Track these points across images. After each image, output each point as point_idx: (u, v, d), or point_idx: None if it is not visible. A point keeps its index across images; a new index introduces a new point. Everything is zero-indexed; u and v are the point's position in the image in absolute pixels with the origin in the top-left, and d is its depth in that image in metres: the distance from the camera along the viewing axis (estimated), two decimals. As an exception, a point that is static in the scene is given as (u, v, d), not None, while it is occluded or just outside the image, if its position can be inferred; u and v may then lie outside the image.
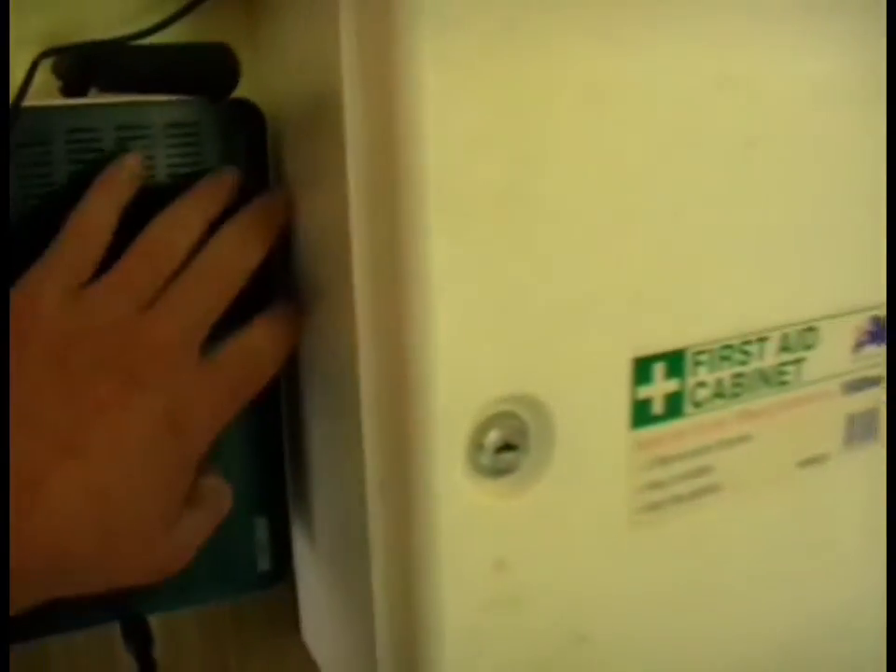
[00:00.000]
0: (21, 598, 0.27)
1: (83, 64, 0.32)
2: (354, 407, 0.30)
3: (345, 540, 0.34)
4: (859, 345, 0.36)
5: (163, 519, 0.30)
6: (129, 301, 0.29)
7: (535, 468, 0.30)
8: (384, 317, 0.28)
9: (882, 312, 0.36)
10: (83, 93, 0.32)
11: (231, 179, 0.32)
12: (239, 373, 0.31)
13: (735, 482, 0.34)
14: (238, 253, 0.31)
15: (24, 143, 0.30)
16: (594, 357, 0.30)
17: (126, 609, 0.34)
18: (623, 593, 0.33)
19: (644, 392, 0.31)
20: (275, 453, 0.36)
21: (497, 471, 0.30)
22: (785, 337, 0.34)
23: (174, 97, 0.32)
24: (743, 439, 0.34)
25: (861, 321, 0.35)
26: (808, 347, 0.34)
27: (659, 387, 0.32)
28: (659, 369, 0.31)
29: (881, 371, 0.37)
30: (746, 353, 0.33)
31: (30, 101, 0.32)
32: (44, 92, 0.33)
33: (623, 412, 0.31)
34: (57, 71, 0.33)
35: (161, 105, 0.32)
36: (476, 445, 0.29)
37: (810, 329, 0.34)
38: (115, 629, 0.34)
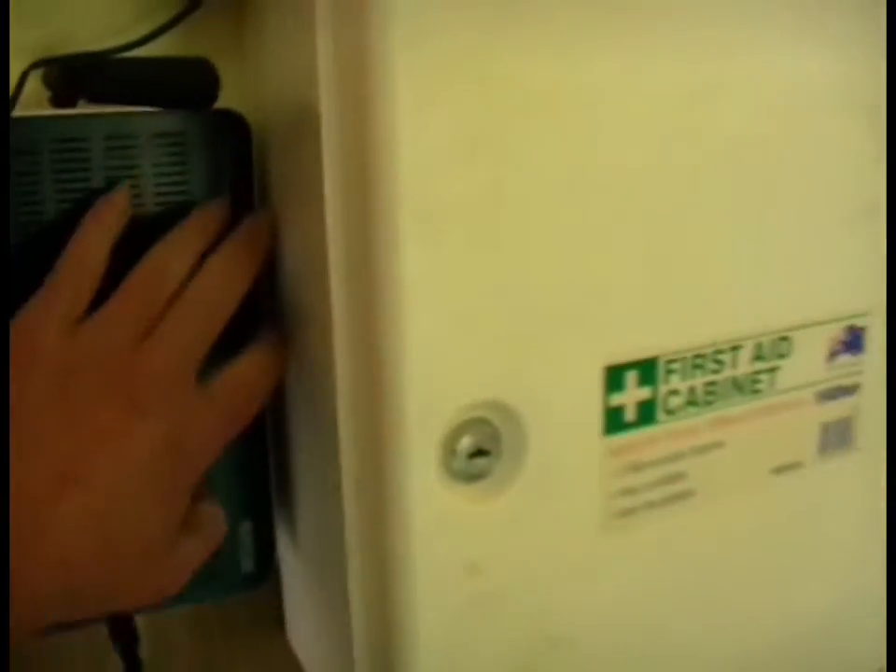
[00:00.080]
0: (36, 621, 0.28)
1: (71, 76, 0.32)
2: (331, 412, 0.30)
3: (325, 543, 0.34)
4: (833, 355, 0.36)
5: (161, 543, 0.31)
6: (126, 333, 0.30)
7: (507, 473, 0.31)
8: (359, 324, 0.29)
9: (857, 321, 0.36)
10: (72, 104, 0.33)
11: (221, 211, 0.33)
12: (233, 403, 0.32)
13: (708, 488, 0.35)
14: (228, 280, 0.32)
15: (13, 152, 0.31)
16: (565, 365, 0.31)
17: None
18: (597, 597, 0.34)
19: (616, 399, 0.32)
20: (259, 457, 0.37)
21: (470, 476, 0.30)
22: (758, 346, 0.34)
23: (158, 109, 0.32)
24: (716, 445, 0.34)
25: (835, 331, 0.36)
26: (782, 356, 0.35)
27: (631, 395, 0.32)
28: (631, 377, 0.32)
29: (855, 379, 0.37)
30: (719, 361, 0.33)
31: (20, 111, 0.33)
32: (34, 102, 0.34)
33: (595, 419, 0.32)
34: (47, 81, 0.34)
35: (148, 116, 0.32)
36: (449, 450, 0.30)
37: (784, 339, 0.35)
38: (101, 628, 0.35)
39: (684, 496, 0.34)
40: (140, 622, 0.35)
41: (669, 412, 0.33)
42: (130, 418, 0.29)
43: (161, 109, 0.32)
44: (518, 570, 0.32)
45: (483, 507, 0.31)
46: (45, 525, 0.28)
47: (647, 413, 0.33)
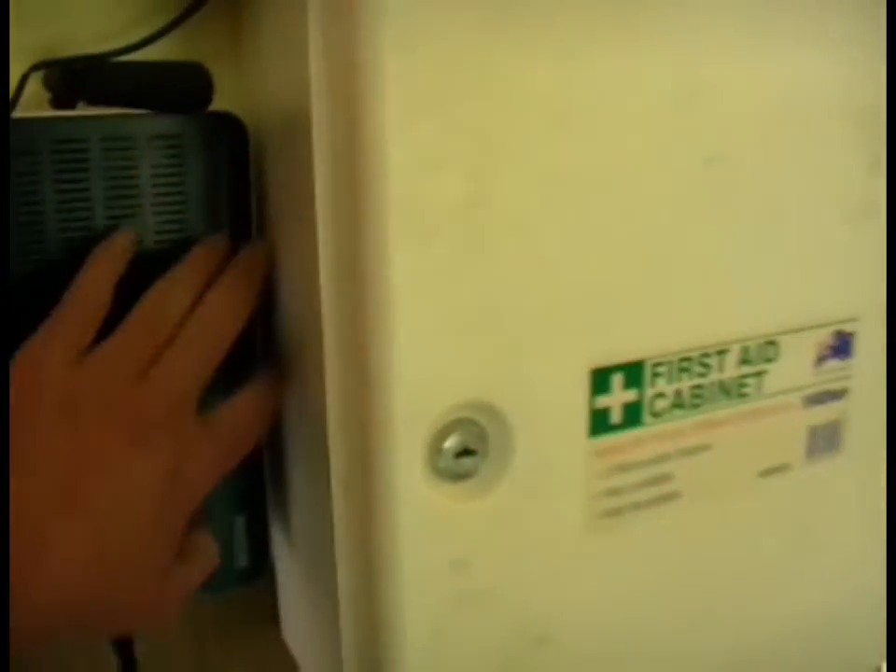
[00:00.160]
0: (37, 631, 0.29)
1: (71, 79, 0.33)
2: (320, 410, 0.31)
3: (315, 541, 0.35)
4: (821, 359, 0.36)
5: (157, 569, 0.31)
6: (129, 365, 0.31)
7: (494, 473, 0.31)
8: (348, 324, 0.29)
9: (845, 326, 0.36)
10: (72, 106, 0.33)
11: (221, 246, 0.34)
12: (232, 437, 0.33)
13: (694, 489, 0.35)
14: (227, 313, 0.33)
15: (13, 152, 0.31)
16: (552, 367, 0.31)
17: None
18: (583, 596, 0.34)
19: (602, 402, 0.32)
20: (253, 454, 0.37)
21: (457, 476, 0.31)
22: (745, 350, 0.34)
23: (155, 111, 0.33)
24: (703, 448, 0.35)
25: (823, 336, 0.36)
26: (769, 360, 0.35)
27: (617, 397, 0.32)
28: (617, 379, 0.32)
29: (844, 384, 0.37)
30: (705, 365, 0.34)
31: (20, 112, 0.33)
32: (34, 104, 0.35)
33: (581, 420, 0.32)
34: (47, 84, 0.34)
35: (146, 118, 0.33)
36: (435, 450, 0.30)
37: (771, 343, 0.35)
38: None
39: (670, 497, 0.35)
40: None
41: (655, 414, 0.33)
42: (131, 447, 0.30)
43: (158, 112, 0.33)
44: (504, 569, 0.32)
45: (470, 506, 0.31)
46: (46, 540, 0.28)
47: (633, 415, 0.33)
